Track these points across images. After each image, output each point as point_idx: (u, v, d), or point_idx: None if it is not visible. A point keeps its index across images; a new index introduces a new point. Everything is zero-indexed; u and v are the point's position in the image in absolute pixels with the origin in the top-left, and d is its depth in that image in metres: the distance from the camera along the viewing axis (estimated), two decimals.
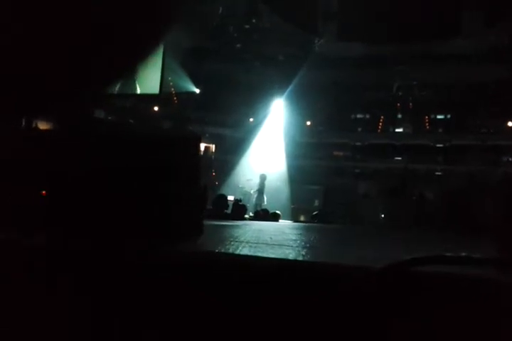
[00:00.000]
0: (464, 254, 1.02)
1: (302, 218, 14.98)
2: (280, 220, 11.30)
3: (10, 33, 0.98)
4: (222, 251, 1.52)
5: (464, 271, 1.07)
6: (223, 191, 13.48)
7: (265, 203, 14.72)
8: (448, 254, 1.02)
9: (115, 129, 1.78)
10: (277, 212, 11.33)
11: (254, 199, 15.10)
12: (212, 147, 20.01)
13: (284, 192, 16.57)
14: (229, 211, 9.70)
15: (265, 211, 11.40)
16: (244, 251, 1.52)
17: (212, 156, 19.81)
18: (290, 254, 1.41)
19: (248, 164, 17.47)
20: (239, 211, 9.82)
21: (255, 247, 1.66)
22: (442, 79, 18.37)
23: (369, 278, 1.08)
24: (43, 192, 1.48)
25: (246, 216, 10.27)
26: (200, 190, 1.69)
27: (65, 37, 1.01)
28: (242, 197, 13.73)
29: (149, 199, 1.45)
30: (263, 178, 15.28)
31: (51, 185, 1.55)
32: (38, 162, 1.58)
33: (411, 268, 1.05)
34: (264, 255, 1.40)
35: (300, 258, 1.34)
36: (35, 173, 1.57)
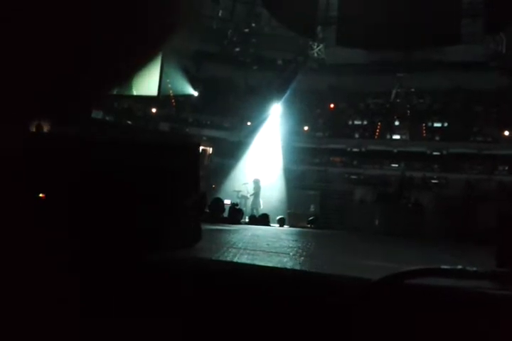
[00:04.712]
0: (459, 267, 1.03)
1: (298, 223, 15.00)
2: (275, 225, 11.28)
3: (9, 36, 0.98)
4: (220, 258, 1.52)
5: (459, 283, 1.08)
6: (220, 195, 13.47)
7: (261, 207, 14.74)
8: (444, 267, 1.03)
9: (115, 135, 1.78)
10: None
11: (250, 204, 15.13)
12: (209, 150, 20.00)
13: (281, 196, 16.57)
14: (225, 215, 9.68)
15: (265, 215, 11.31)
16: (242, 258, 1.52)
17: (209, 159, 19.79)
18: (288, 263, 1.42)
19: (245, 168, 17.45)
20: (235, 215, 9.81)
21: (253, 255, 1.67)
22: (440, 86, 18.46)
23: (364, 290, 1.08)
24: (42, 195, 1.48)
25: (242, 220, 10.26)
26: (199, 197, 1.69)
27: (63, 39, 1.02)
28: (238, 201, 13.74)
29: (147, 205, 1.45)
30: (257, 183, 15.34)
31: (49, 188, 1.55)
32: (36, 165, 1.58)
33: (406, 281, 1.06)
34: (262, 263, 1.40)
35: (297, 267, 1.35)
36: (34, 175, 1.57)
